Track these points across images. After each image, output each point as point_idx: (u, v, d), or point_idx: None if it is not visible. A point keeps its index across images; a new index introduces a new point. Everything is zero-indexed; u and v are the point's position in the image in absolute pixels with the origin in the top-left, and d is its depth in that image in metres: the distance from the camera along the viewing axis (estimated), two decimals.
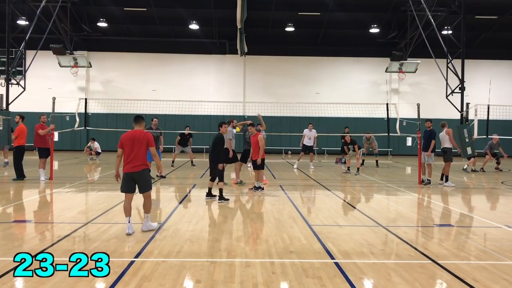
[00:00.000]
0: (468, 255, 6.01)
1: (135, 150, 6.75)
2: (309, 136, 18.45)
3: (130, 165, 6.76)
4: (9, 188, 12.07)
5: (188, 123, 26.72)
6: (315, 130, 18.70)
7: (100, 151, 21.79)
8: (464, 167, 18.81)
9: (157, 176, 13.92)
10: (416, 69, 27.36)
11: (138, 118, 7.15)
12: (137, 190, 6.96)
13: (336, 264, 5.43)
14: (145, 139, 6.81)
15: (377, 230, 7.41)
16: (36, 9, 21.86)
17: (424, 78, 28.92)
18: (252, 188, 11.74)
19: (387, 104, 18.23)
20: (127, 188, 6.86)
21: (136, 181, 6.85)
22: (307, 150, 18.62)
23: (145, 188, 6.93)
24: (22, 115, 14.04)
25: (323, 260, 5.61)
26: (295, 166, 18.65)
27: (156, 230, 7.04)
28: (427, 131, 13.67)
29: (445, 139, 13.77)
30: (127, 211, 6.87)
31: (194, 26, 27.00)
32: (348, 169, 17.22)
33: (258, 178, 11.68)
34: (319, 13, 26.99)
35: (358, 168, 16.95)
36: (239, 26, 21.08)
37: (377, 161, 20.63)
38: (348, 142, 17.22)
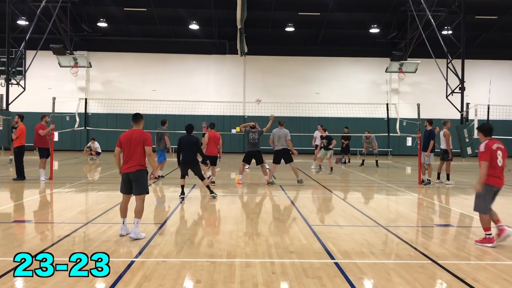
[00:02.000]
0: (468, 255, 6.01)
1: (132, 150, 6.53)
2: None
3: (127, 165, 6.56)
4: (9, 188, 12.07)
5: (188, 123, 26.71)
6: (326, 132, 18.86)
7: (100, 151, 21.78)
8: None
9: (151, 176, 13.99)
10: (416, 69, 27.35)
11: (137, 117, 6.81)
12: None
13: (336, 264, 5.43)
14: (141, 138, 6.54)
15: (377, 230, 7.41)
16: (36, 9, 21.86)
17: (424, 78, 28.92)
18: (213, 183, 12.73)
19: (387, 104, 18.24)
20: (124, 188, 6.70)
21: (132, 181, 6.62)
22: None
23: (139, 190, 6.62)
24: (22, 115, 14.04)
25: (323, 260, 5.61)
26: (312, 167, 18.49)
27: (156, 230, 7.03)
28: (426, 131, 13.71)
29: (443, 140, 13.88)
30: (123, 212, 6.73)
31: (194, 26, 26.99)
32: (320, 168, 17.12)
33: (213, 173, 12.93)
34: (319, 13, 26.99)
35: (331, 168, 16.83)
36: (239, 26, 21.07)
37: (377, 161, 20.57)
38: (323, 137, 16.89)
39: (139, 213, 6.54)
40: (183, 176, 10.26)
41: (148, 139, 6.60)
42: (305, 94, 28.70)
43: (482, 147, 6.42)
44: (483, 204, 6.48)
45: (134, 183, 6.60)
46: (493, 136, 6.61)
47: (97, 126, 24.08)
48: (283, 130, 13.38)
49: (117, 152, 6.68)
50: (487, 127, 6.61)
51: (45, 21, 22.88)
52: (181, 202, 9.82)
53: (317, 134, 18.78)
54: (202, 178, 10.23)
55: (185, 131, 10.23)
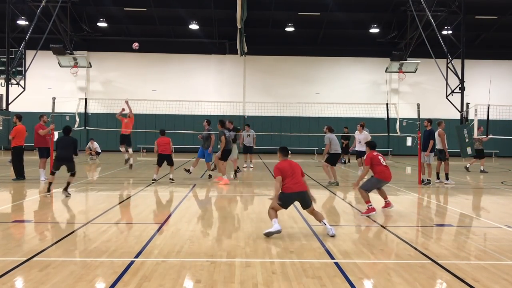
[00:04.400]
0: (468, 255, 6.01)
1: (297, 175, 7.03)
2: (359, 140, 15.71)
3: (299, 184, 7.00)
4: (9, 188, 12.07)
5: (188, 123, 26.75)
6: (366, 132, 16.04)
7: (99, 151, 21.73)
8: None
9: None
10: (416, 69, 27.35)
11: (287, 151, 7.41)
12: None
13: (336, 264, 5.43)
14: (299, 167, 7.19)
15: (377, 230, 7.41)
16: (36, 9, 21.87)
17: (424, 78, 28.92)
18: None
19: (387, 104, 18.22)
20: (287, 205, 7.16)
21: (301, 199, 7.10)
22: (360, 154, 15.77)
23: (310, 202, 7.16)
24: (20, 115, 14.01)
25: (323, 260, 5.61)
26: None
27: (156, 230, 7.02)
28: (426, 131, 13.73)
29: (438, 140, 13.91)
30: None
31: (194, 26, 27.00)
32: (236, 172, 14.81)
33: (171, 171, 13.82)
34: (319, 13, 27.00)
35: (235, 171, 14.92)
36: (239, 26, 21.09)
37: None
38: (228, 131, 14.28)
39: (319, 216, 7.13)
40: (53, 173, 10.72)
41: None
42: (305, 94, 28.71)
43: (365, 157, 9.12)
44: (369, 186, 8.76)
45: (304, 199, 7.08)
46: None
47: (97, 126, 24.08)
48: (333, 135, 13.40)
49: (280, 179, 6.98)
50: (373, 144, 9.12)
51: (45, 21, 22.88)
52: (46, 196, 10.35)
53: (357, 134, 16.04)
54: (73, 173, 10.75)
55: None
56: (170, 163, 13.64)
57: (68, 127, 11.04)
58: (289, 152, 7.66)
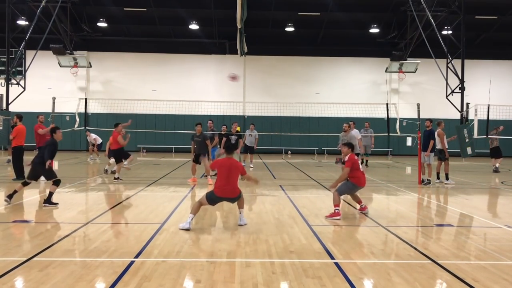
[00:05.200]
0: (468, 255, 6.01)
1: (232, 176, 7.28)
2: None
3: (227, 189, 7.26)
4: (9, 188, 12.04)
5: (188, 123, 26.70)
6: (356, 130, 15.51)
7: (100, 141, 21.18)
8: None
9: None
10: (416, 69, 27.36)
11: (232, 148, 7.90)
12: None
13: (336, 264, 5.43)
14: (239, 168, 7.49)
15: (377, 230, 7.41)
16: (36, 9, 21.87)
17: (424, 78, 28.93)
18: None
19: (387, 104, 18.24)
20: (214, 203, 7.55)
21: (229, 202, 7.60)
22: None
23: (242, 202, 7.66)
24: (20, 115, 14.01)
25: (323, 260, 5.61)
26: None
27: (156, 230, 7.03)
28: (426, 131, 13.74)
29: (438, 140, 13.92)
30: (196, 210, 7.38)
31: (194, 26, 27.02)
32: None
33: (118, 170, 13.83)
34: (319, 13, 27.01)
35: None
36: (239, 26, 21.07)
37: (366, 160, 19.77)
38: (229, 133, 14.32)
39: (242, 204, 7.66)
40: (25, 183, 9.34)
41: (244, 169, 7.62)
42: (305, 94, 28.74)
43: (346, 158, 8.66)
44: (344, 190, 8.59)
45: (232, 201, 7.58)
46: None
47: (97, 126, 24.08)
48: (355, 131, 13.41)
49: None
50: (352, 145, 8.92)
51: (45, 21, 22.87)
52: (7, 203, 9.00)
53: (356, 133, 14.99)
54: (56, 181, 9.20)
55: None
56: (125, 156, 14.05)
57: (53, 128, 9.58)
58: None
